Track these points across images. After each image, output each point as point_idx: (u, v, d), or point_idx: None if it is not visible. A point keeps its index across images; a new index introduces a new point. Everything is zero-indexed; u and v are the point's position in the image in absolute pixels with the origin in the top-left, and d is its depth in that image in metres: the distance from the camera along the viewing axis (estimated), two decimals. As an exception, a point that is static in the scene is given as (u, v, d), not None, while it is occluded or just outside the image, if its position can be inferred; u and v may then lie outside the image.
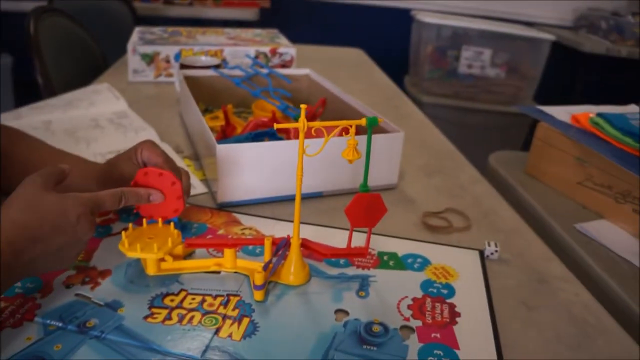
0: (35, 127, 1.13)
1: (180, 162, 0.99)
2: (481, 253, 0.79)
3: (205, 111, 1.22)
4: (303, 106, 0.60)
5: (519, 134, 2.47)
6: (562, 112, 1.18)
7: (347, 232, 0.79)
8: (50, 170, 0.65)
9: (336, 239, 0.76)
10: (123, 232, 0.67)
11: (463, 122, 2.47)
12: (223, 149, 0.82)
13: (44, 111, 1.23)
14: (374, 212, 0.66)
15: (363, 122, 0.62)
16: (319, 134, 0.63)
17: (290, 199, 0.89)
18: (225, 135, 1.04)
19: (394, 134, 0.93)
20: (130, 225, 0.68)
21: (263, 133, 0.98)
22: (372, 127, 0.63)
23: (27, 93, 1.63)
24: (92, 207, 0.63)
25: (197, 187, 0.91)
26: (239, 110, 1.24)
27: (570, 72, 2.88)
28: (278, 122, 1.02)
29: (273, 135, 0.97)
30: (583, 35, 3.04)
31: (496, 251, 0.78)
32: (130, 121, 1.21)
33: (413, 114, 1.44)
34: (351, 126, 0.62)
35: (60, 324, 0.60)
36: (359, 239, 0.72)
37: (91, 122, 1.19)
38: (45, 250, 0.59)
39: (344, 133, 0.63)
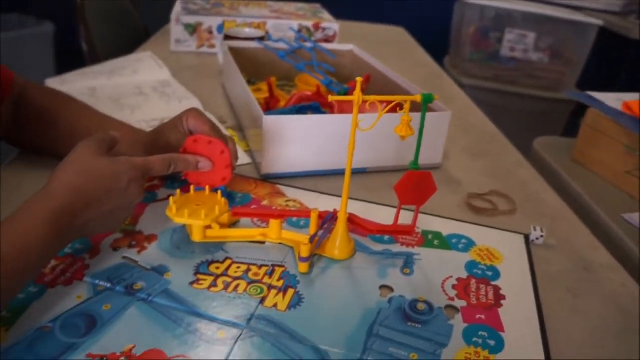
0: (81, 92, 1.14)
1: (224, 133, 0.99)
2: (526, 237, 0.78)
3: (248, 83, 1.21)
4: (359, 79, 0.59)
5: (559, 120, 2.42)
6: (612, 99, 1.14)
7: (390, 209, 0.79)
8: (103, 136, 0.66)
9: (379, 215, 0.75)
10: (171, 198, 0.67)
11: (502, 106, 2.42)
12: (270, 120, 0.81)
13: (89, 77, 1.25)
14: (423, 190, 0.65)
15: (418, 98, 0.61)
16: (371, 108, 0.62)
17: (334, 173, 0.89)
18: (269, 107, 1.04)
19: (441, 113, 0.91)
20: (177, 191, 0.69)
21: (307, 107, 0.97)
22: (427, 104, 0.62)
23: (68, 61, 1.64)
24: (142, 171, 0.64)
25: (241, 157, 0.91)
26: (282, 83, 1.24)
27: (617, 59, 2.79)
28: (322, 97, 1.02)
29: (317, 109, 0.96)
30: (632, 21, 2.94)
31: (542, 236, 0.77)
32: (174, 90, 1.21)
33: (456, 95, 1.42)
34: (406, 102, 0.61)
35: (109, 285, 0.60)
36: (402, 217, 0.71)
37: (135, 89, 1.20)
38: (98, 213, 0.60)
39: (398, 109, 0.61)
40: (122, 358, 0.51)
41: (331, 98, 0.60)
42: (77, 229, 0.59)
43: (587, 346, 0.60)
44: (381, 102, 0.61)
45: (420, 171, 0.64)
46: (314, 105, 0.97)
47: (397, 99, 0.61)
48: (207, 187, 0.71)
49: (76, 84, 1.20)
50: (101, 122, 0.83)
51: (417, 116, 0.62)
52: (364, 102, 0.60)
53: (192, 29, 1.52)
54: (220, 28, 1.52)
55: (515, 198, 0.89)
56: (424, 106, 0.62)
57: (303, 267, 0.65)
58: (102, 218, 0.61)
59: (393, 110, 0.63)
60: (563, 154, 1.25)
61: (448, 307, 0.62)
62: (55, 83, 1.18)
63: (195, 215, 0.66)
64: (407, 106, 0.61)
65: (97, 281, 0.61)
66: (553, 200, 0.92)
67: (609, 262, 0.77)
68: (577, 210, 0.90)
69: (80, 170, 0.61)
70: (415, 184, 0.64)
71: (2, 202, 0.74)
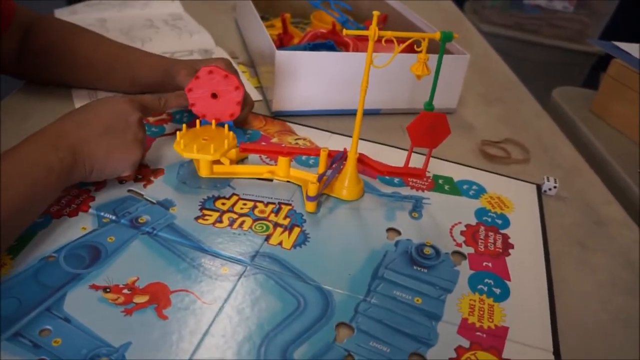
0: (90, 24, 1.11)
1: (235, 67, 0.97)
2: (538, 187, 0.76)
3: (261, 19, 1.18)
4: (376, 12, 0.56)
5: (579, 73, 2.36)
6: (639, 51, 1.10)
7: (401, 152, 0.77)
8: (142, 97, 0.67)
9: (390, 157, 0.74)
10: (178, 133, 0.66)
11: (521, 56, 2.36)
12: (282, 56, 0.79)
13: (99, 9, 1.22)
14: (437, 132, 0.63)
15: (437, 35, 0.58)
16: (387, 47, 0.59)
17: (346, 113, 0.87)
18: (282, 44, 1.01)
19: (459, 56, 0.88)
20: (184, 126, 0.67)
21: (321, 45, 0.94)
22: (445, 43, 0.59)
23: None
24: (143, 110, 0.66)
25: (252, 94, 0.89)
26: (296, 20, 1.20)
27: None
28: (337, 35, 0.99)
29: (331, 48, 0.93)
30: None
31: (555, 187, 0.75)
32: (185, 23, 1.18)
33: (475, 40, 1.38)
34: (424, 39, 0.59)
35: (114, 218, 0.60)
36: (413, 161, 0.69)
37: (146, 22, 1.17)
38: (91, 133, 0.60)
39: (415, 46, 0.59)
40: (125, 290, 0.51)
41: (346, 32, 0.58)
42: (73, 148, 0.58)
43: (593, 300, 0.60)
44: (398, 40, 0.58)
45: (434, 112, 0.62)
46: (328, 44, 0.94)
47: (415, 35, 0.58)
48: (213, 122, 0.69)
49: (85, 15, 1.17)
50: (120, 51, 0.83)
51: (433, 57, 0.60)
52: (380, 38, 0.57)
53: (206, -38, 1.47)
54: (235, -39, 1.47)
55: (530, 147, 0.87)
56: (442, 44, 0.59)
57: (310, 206, 0.64)
58: (99, 143, 0.60)
59: (410, 49, 0.60)
60: (582, 106, 1.22)
61: (455, 253, 0.62)
62: (64, 13, 1.16)
63: (204, 149, 0.64)
64: (424, 44, 0.58)
65: (102, 213, 0.60)
66: (569, 152, 0.90)
67: (622, 217, 0.75)
68: (593, 164, 0.88)
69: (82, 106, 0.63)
70: (428, 125, 0.62)
71: (8, 133, 0.73)
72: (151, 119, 0.79)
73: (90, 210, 0.61)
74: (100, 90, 0.86)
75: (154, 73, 0.80)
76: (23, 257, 0.54)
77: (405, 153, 0.67)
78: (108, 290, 0.51)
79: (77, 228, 0.58)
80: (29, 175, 0.53)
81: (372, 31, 0.57)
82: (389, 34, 0.57)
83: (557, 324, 0.54)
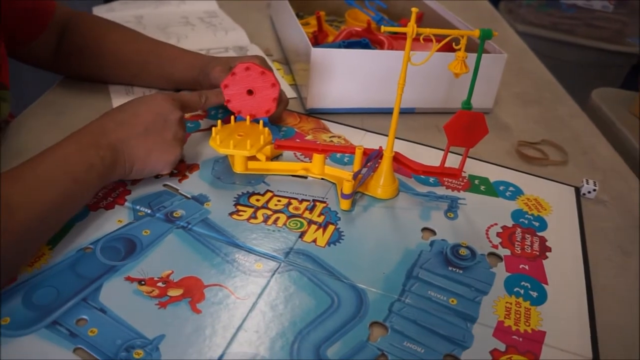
0: (127, 21, 1.13)
1: (270, 65, 0.97)
2: (577, 190, 0.74)
3: (296, 16, 1.18)
4: (414, 9, 0.56)
5: (617, 74, 2.31)
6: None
7: (436, 152, 0.77)
8: (182, 95, 0.68)
9: (424, 157, 0.73)
10: (213, 129, 0.66)
11: (557, 56, 2.32)
12: (318, 53, 0.79)
13: (136, 6, 1.23)
14: (474, 131, 0.62)
15: (476, 33, 0.57)
16: (422, 46, 0.58)
17: (380, 111, 0.86)
18: (317, 42, 1.01)
19: (497, 55, 0.87)
20: (218, 122, 0.67)
21: (355, 43, 0.94)
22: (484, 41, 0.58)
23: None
24: (183, 108, 0.67)
25: (286, 91, 0.89)
26: (331, 18, 1.20)
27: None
28: (372, 33, 0.98)
29: (366, 46, 0.93)
30: None
31: (594, 190, 0.74)
32: (220, 20, 1.19)
33: (511, 40, 1.36)
34: (462, 37, 0.58)
35: (149, 211, 0.60)
36: (447, 161, 0.68)
37: (182, 19, 1.18)
38: (131, 133, 0.60)
39: (454, 44, 0.58)
40: (160, 283, 0.52)
41: (384, 29, 0.57)
42: (113, 147, 0.58)
43: (634, 307, 0.58)
44: (435, 38, 0.57)
45: (472, 111, 0.61)
46: (363, 42, 0.93)
47: (454, 32, 0.57)
48: (248, 118, 0.69)
49: (122, 12, 1.19)
50: (153, 47, 0.84)
51: (471, 57, 0.59)
52: (417, 37, 0.57)
53: (241, -41, 1.47)
54: (270, -41, 1.47)
55: (568, 149, 0.85)
56: (481, 42, 0.58)
57: (345, 204, 0.64)
58: (139, 143, 0.61)
59: (446, 48, 0.59)
60: (622, 107, 1.19)
61: (491, 254, 0.61)
62: (102, 11, 1.18)
63: (240, 145, 0.65)
64: (463, 41, 0.57)
65: (138, 207, 0.61)
66: (608, 154, 0.88)
67: (664, 221, 0.73)
68: (634, 166, 0.86)
69: (123, 104, 0.63)
70: (466, 124, 0.61)
71: (47, 127, 0.75)
72: (187, 115, 0.80)
73: (127, 204, 0.61)
74: (136, 86, 0.86)
75: (189, 70, 0.81)
76: (61, 248, 0.54)
77: (440, 152, 0.66)
78: (143, 282, 0.51)
79: (113, 221, 0.59)
80: (70, 172, 0.53)
81: (411, 28, 0.56)
82: (427, 31, 0.57)
83: (596, 330, 0.53)
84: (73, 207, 0.55)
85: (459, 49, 0.58)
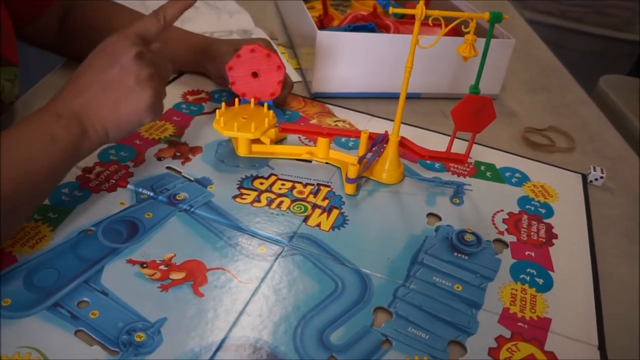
0: (131, 3, 1.12)
1: (275, 48, 0.96)
2: (584, 177, 0.74)
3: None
4: (423, -10, 0.55)
5: (625, 62, 2.28)
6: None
7: (442, 137, 0.76)
8: (133, 29, 0.58)
9: (429, 142, 0.72)
10: (217, 111, 0.66)
11: (565, 44, 2.29)
12: (324, 36, 0.78)
13: (140, -13, 1.22)
14: (481, 116, 0.61)
15: (486, 16, 0.56)
16: (429, 30, 0.57)
17: (386, 96, 0.85)
18: (323, 25, 0.99)
19: (504, 40, 0.86)
20: (222, 104, 0.67)
21: (362, 27, 0.93)
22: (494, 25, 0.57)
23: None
24: (142, 41, 0.57)
25: (291, 75, 0.88)
26: (336, 2, 1.18)
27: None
28: (379, 17, 0.97)
29: (372, 30, 0.91)
30: None
31: (602, 177, 0.73)
32: (224, 4, 1.17)
33: (519, 27, 1.34)
34: (472, 19, 0.57)
35: (152, 194, 0.60)
36: (454, 147, 0.67)
37: (186, 1, 1.17)
38: (94, 91, 0.54)
39: (463, 27, 0.57)
40: (162, 266, 0.51)
41: (392, 10, 0.56)
42: (77, 114, 0.52)
43: (639, 293, 0.57)
44: (444, 20, 0.56)
45: (480, 96, 0.60)
46: (369, 26, 0.92)
47: (463, 15, 0.56)
48: (252, 100, 0.68)
49: (126, -6, 1.17)
50: None
51: (479, 41, 0.58)
52: (426, 20, 0.56)
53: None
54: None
55: (575, 136, 0.84)
56: (491, 25, 0.57)
57: (349, 188, 0.63)
58: (102, 101, 0.53)
59: (453, 32, 0.58)
60: (630, 95, 1.18)
61: (497, 240, 0.60)
62: (106, -9, 1.16)
63: (244, 128, 0.64)
64: (472, 24, 0.56)
65: (140, 189, 0.60)
66: (616, 141, 0.87)
67: (672, 210, 0.72)
68: (641, 153, 0.85)
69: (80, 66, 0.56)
70: (473, 109, 0.61)
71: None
72: (190, 98, 0.79)
73: (129, 186, 0.61)
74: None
75: (193, 51, 0.80)
76: (62, 230, 0.54)
77: (445, 138, 0.65)
78: (145, 265, 0.51)
79: (115, 203, 0.58)
80: (20, 153, 0.48)
81: (419, 10, 0.55)
82: (436, 13, 0.56)
83: (602, 317, 0.52)
84: (38, 188, 0.50)
85: (468, 32, 0.57)
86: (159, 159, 0.65)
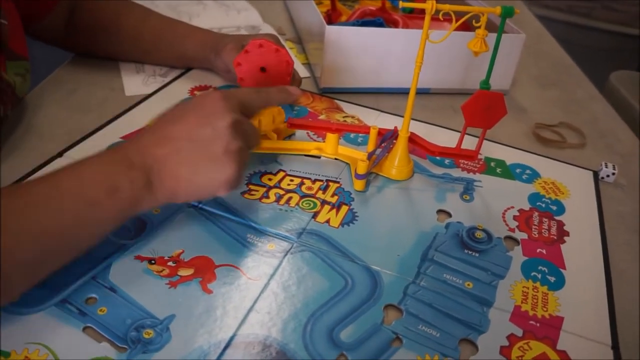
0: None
1: (283, 44, 0.96)
2: (595, 174, 0.73)
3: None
4: (434, -16, 0.54)
5: (634, 59, 2.27)
6: None
7: (452, 133, 0.75)
8: (239, 92, 0.55)
9: (439, 138, 0.71)
10: (225, 106, 0.65)
11: (573, 40, 2.28)
12: (332, 31, 0.77)
13: (147, -17, 1.22)
14: (492, 112, 0.61)
15: (497, 10, 0.56)
16: (438, 25, 0.57)
17: (395, 91, 0.85)
18: (331, 21, 0.99)
19: (515, 35, 0.85)
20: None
21: (370, 22, 0.92)
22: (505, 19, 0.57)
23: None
24: (236, 105, 0.52)
25: (300, 70, 0.88)
26: (344, -3, 1.18)
27: None
28: (387, 12, 0.96)
29: (380, 25, 0.91)
30: None
31: (613, 174, 0.72)
32: (233, 1, 1.17)
33: (529, 22, 1.33)
34: (483, 14, 0.56)
35: (160, 189, 0.59)
36: (464, 143, 0.67)
37: (194, -3, 1.17)
38: (172, 147, 0.48)
39: (474, 21, 0.56)
40: (170, 262, 0.51)
41: (402, 4, 0.55)
42: (149, 167, 0.47)
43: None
44: (455, 15, 0.56)
45: (490, 92, 0.59)
46: (378, 21, 0.91)
47: (474, 9, 0.55)
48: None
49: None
50: (165, 25, 0.83)
51: (490, 36, 0.57)
52: (436, 14, 0.55)
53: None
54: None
55: (586, 132, 0.83)
56: (502, 19, 0.56)
57: (359, 184, 0.62)
58: (182, 160, 0.48)
59: (463, 27, 0.58)
60: (641, 90, 1.17)
61: (508, 238, 0.59)
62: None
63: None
64: (483, 19, 0.56)
65: (148, 184, 0.60)
66: (627, 137, 0.86)
67: (684, 206, 0.71)
68: (653, 150, 0.84)
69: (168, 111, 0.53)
70: (484, 104, 0.60)
71: (58, 106, 0.74)
72: (197, 94, 0.78)
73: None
74: (147, 64, 0.85)
75: (201, 47, 0.80)
76: (70, 226, 0.53)
77: (454, 134, 0.65)
78: (153, 262, 0.51)
79: (122, 199, 0.58)
80: (84, 193, 0.44)
81: (430, 4, 0.54)
82: (446, 7, 0.55)
83: (615, 316, 0.52)
84: (89, 235, 0.46)
85: (479, 27, 0.56)
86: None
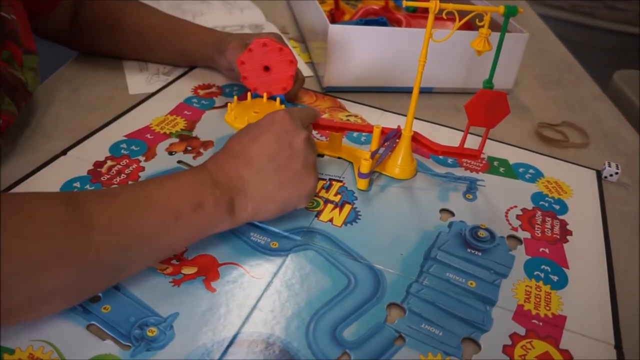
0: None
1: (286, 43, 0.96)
2: (598, 173, 0.73)
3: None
4: (437, -16, 0.54)
5: (636, 57, 2.26)
6: None
7: (455, 132, 0.75)
8: (304, 110, 0.60)
9: (443, 137, 0.71)
10: (229, 105, 0.65)
11: (577, 40, 2.27)
12: (336, 30, 0.77)
13: (151, -19, 1.22)
14: (495, 111, 0.61)
15: (501, 9, 0.56)
16: (441, 24, 0.57)
17: (398, 90, 0.85)
18: (334, 20, 0.99)
19: (518, 34, 0.85)
20: (235, 98, 0.66)
21: (373, 21, 0.92)
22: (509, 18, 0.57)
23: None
24: (303, 121, 0.58)
25: (303, 69, 0.88)
26: (348, -3, 1.18)
27: None
28: (390, 12, 0.97)
29: (383, 24, 0.91)
30: None
31: (616, 173, 0.72)
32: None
33: (532, 21, 1.33)
34: (486, 13, 0.56)
35: (163, 187, 0.59)
36: (467, 142, 0.67)
37: (197, -5, 1.17)
38: (252, 169, 0.51)
39: (477, 20, 0.56)
40: (174, 261, 0.51)
41: (405, 3, 0.55)
42: (233, 189, 0.50)
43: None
44: (458, 14, 0.56)
45: (494, 91, 0.60)
46: (381, 20, 0.92)
47: (478, 8, 0.55)
48: (265, 95, 0.68)
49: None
50: (168, 23, 0.83)
51: (493, 35, 0.57)
52: (439, 13, 0.55)
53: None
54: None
55: (589, 131, 0.83)
56: (506, 19, 0.57)
57: (362, 183, 0.62)
58: (265, 180, 0.51)
59: (466, 27, 0.58)
60: (645, 90, 1.17)
61: (510, 237, 0.59)
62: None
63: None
64: (487, 18, 0.56)
65: (152, 183, 0.60)
66: (630, 137, 0.86)
67: (687, 206, 0.71)
68: (657, 150, 0.84)
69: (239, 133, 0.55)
70: (487, 104, 0.60)
71: (63, 104, 0.74)
72: (201, 92, 0.79)
73: (140, 180, 0.60)
74: (151, 62, 0.86)
75: (204, 46, 0.80)
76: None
77: (457, 133, 0.65)
78: (157, 260, 0.51)
79: (127, 197, 0.58)
80: (173, 206, 0.46)
81: (433, 3, 0.54)
82: (450, 6, 0.55)
83: (618, 315, 0.52)
84: (168, 245, 0.48)
85: (482, 26, 0.56)
86: (170, 153, 0.65)
